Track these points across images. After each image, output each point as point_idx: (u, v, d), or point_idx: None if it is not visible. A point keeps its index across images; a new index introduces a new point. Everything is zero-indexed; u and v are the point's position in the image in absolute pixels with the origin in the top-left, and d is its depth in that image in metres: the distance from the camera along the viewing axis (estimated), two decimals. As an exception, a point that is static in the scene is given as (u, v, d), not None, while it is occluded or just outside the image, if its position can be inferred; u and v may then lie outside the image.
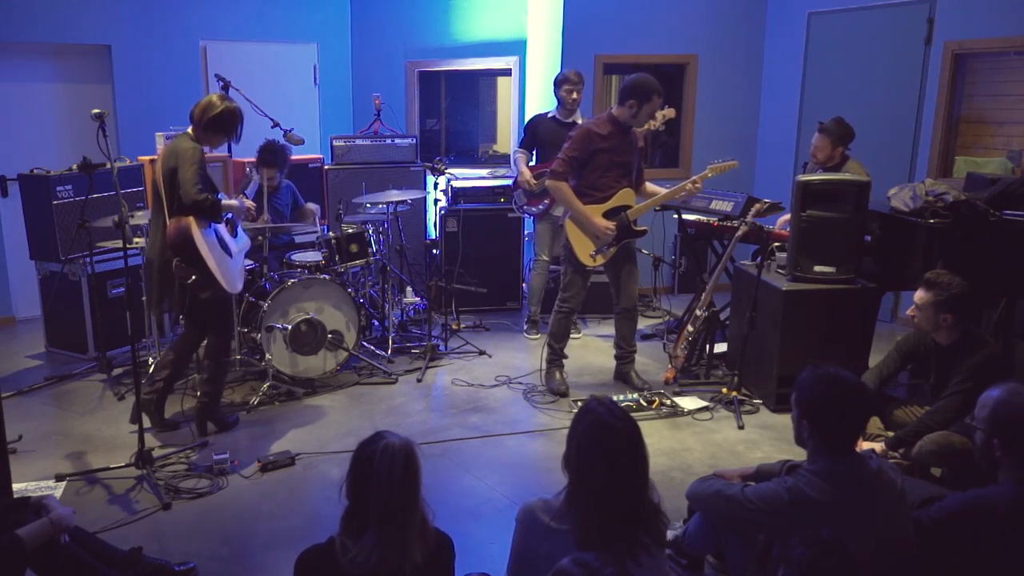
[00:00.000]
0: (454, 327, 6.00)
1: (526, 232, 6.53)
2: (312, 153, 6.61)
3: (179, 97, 6.48)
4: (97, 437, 4.32)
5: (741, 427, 4.46)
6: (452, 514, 3.46)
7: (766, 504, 2.43)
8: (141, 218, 4.80)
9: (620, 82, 4.92)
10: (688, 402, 4.73)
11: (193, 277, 3.90)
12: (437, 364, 5.43)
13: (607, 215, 4.68)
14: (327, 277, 4.96)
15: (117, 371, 5.17)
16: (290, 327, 4.74)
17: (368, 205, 5.84)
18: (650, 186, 4.89)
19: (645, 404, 4.67)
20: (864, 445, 3.41)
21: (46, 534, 2.58)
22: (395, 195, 5.57)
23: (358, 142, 6.61)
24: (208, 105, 4.01)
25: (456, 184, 6.49)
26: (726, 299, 5.45)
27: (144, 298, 4.18)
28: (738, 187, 5.94)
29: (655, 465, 3.66)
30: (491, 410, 4.73)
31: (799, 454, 2.70)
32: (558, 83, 5.72)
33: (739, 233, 4.77)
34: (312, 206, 5.75)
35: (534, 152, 5.93)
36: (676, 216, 5.63)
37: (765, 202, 4.85)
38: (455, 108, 8.30)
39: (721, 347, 5.30)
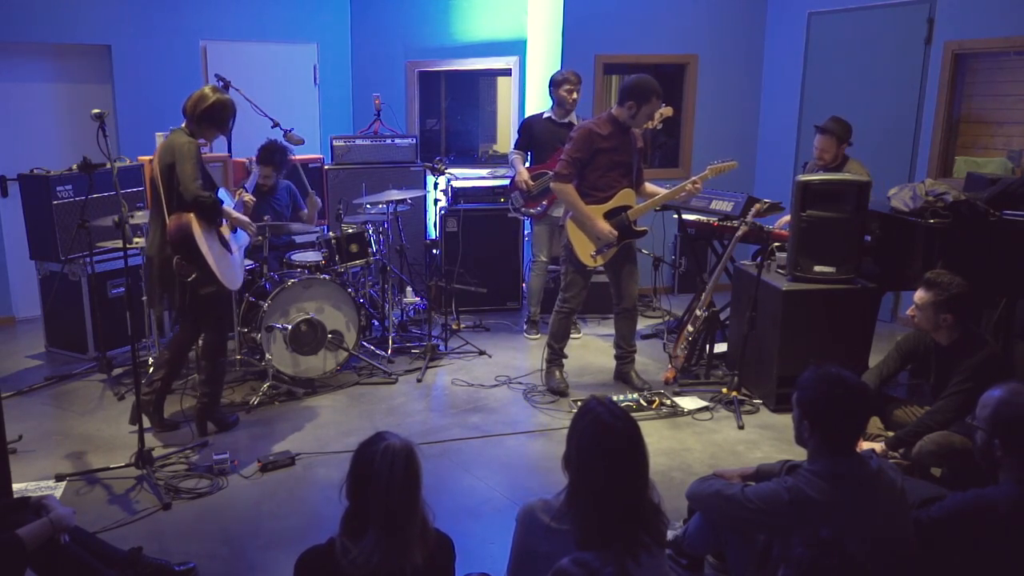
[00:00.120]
0: (454, 327, 6.00)
1: (526, 232, 6.53)
2: (312, 153, 6.60)
3: (179, 97, 6.39)
4: (97, 437, 4.32)
5: (741, 427, 4.46)
6: (452, 514, 3.46)
7: (766, 504, 2.43)
8: (141, 218, 4.80)
9: (620, 82, 4.91)
10: (688, 402, 4.73)
11: (194, 275, 3.90)
12: (437, 364, 5.43)
13: (608, 215, 4.68)
14: (327, 277, 4.96)
15: (117, 371, 5.17)
16: (290, 327, 4.74)
17: (368, 205, 5.84)
18: (650, 186, 4.90)
19: (645, 404, 4.67)
20: (864, 445, 3.41)
21: (46, 534, 2.58)
22: (395, 195, 5.57)
23: (358, 142, 6.61)
24: (200, 97, 4.00)
25: (456, 184, 6.49)
26: (726, 299, 5.45)
27: (144, 297, 4.17)
28: (738, 187, 5.94)
29: (655, 465, 3.67)
30: (491, 410, 4.73)
31: (799, 454, 2.70)
32: (557, 83, 5.70)
33: (739, 233, 4.77)
34: (316, 198, 5.73)
35: (528, 153, 5.91)
36: (676, 216, 5.63)
37: (765, 202, 4.85)
38: (455, 108, 8.30)
39: (721, 347, 5.30)
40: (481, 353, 5.62)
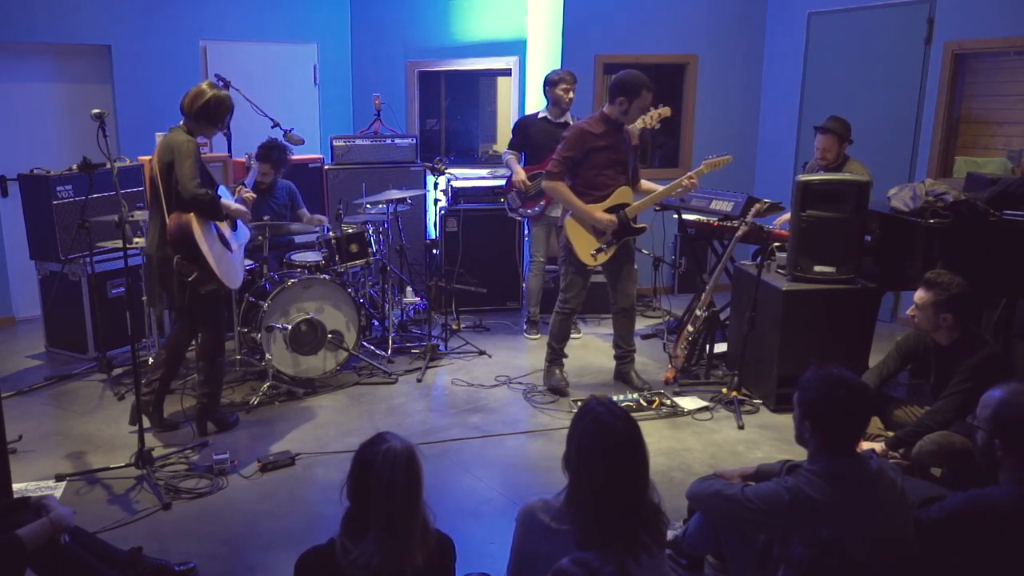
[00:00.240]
0: (454, 327, 5.99)
1: (526, 232, 6.53)
2: (312, 153, 6.61)
3: (179, 97, 6.45)
4: (97, 437, 4.32)
5: (741, 427, 4.46)
6: (452, 514, 3.46)
7: (766, 504, 2.44)
8: (141, 216, 4.80)
9: (608, 81, 4.91)
10: (688, 402, 4.73)
11: (194, 274, 3.90)
12: (437, 364, 5.43)
13: (606, 213, 4.68)
14: (327, 277, 4.96)
15: (117, 371, 5.17)
16: (290, 327, 4.74)
17: (368, 205, 5.84)
18: (646, 183, 4.90)
19: (645, 404, 4.66)
20: (864, 445, 3.41)
21: (46, 534, 2.58)
22: (395, 195, 5.57)
23: (358, 142, 6.61)
24: (198, 94, 4.00)
25: (456, 184, 6.49)
26: (726, 299, 5.45)
27: (144, 296, 4.17)
28: (738, 187, 5.94)
29: (655, 465, 3.67)
30: (491, 410, 4.73)
31: (799, 454, 2.70)
32: (553, 83, 5.69)
33: (739, 233, 4.77)
34: (320, 217, 5.74)
35: (523, 154, 5.88)
36: (676, 216, 5.63)
37: (765, 202, 4.85)
38: (455, 108, 8.30)
39: (721, 347, 5.30)
40: (481, 353, 5.62)
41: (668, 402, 4.69)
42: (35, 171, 5.39)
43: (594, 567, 1.72)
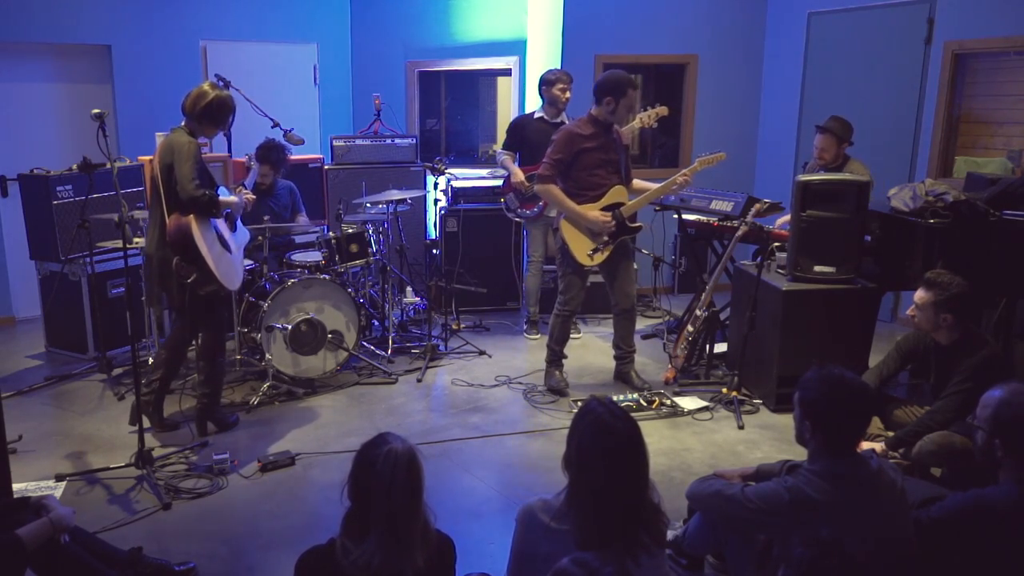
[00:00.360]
0: (454, 327, 5.99)
1: (526, 232, 6.52)
2: (312, 153, 6.60)
3: (179, 97, 6.40)
4: (97, 437, 4.32)
5: (741, 427, 4.46)
6: (452, 514, 3.45)
7: (766, 504, 2.44)
8: (142, 215, 4.80)
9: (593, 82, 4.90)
10: (688, 402, 4.73)
11: (193, 275, 3.90)
12: (437, 364, 5.43)
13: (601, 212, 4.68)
14: (327, 277, 4.96)
15: (117, 371, 5.17)
16: (290, 327, 4.74)
17: (368, 205, 5.84)
18: (639, 182, 4.90)
19: (645, 404, 4.66)
20: (864, 445, 3.40)
21: (46, 534, 2.58)
22: (395, 195, 5.57)
23: (358, 142, 6.61)
24: (200, 95, 4.00)
25: (456, 184, 6.49)
26: (726, 299, 5.45)
27: (144, 296, 4.17)
28: (738, 187, 5.94)
29: (655, 465, 3.67)
30: (491, 410, 4.73)
31: (799, 454, 2.70)
32: (550, 82, 5.67)
33: (739, 233, 4.77)
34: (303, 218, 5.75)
35: (518, 154, 5.86)
36: (676, 216, 5.63)
37: (765, 202, 4.85)
38: (455, 108, 8.29)
39: (721, 347, 5.30)
40: (481, 353, 5.62)
41: (668, 402, 4.69)
42: (35, 171, 5.39)
43: (594, 567, 1.72)
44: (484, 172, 6.99)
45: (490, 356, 5.59)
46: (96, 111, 3.63)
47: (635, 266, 5.08)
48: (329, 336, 4.90)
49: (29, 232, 5.49)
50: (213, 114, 4.01)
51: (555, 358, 4.98)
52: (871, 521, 2.34)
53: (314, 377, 4.96)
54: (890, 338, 4.41)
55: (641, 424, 2.19)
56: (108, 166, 3.65)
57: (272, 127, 5.40)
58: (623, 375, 5.06)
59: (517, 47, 7.32)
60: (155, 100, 6.36)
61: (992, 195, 4.16)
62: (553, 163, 4.64)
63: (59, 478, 3.82)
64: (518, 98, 7.42)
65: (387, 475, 2.00)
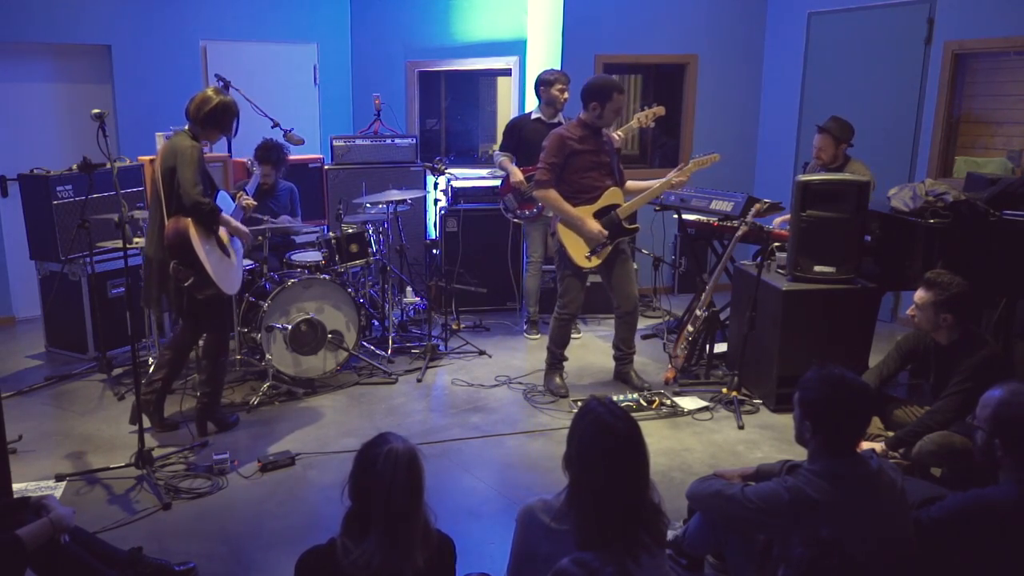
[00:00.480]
0: (454, 327, 5.99)
1: (525, 232, 6.51)
2: (312, 153, 6.61)
3: (179, 97, 6.40)
4: (97, 437, 4.32)
5: (741, 427, 4.46)
6: (452, 514, 3.45)
7: (766, 504, 2.43)
8: (141, 215, 4.80)
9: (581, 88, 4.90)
10: (688, 402, 4.73)
11: (191, 279, 3.90)
12: (437, 364, 5.43)
13: (597, 215, 4.68)
14: (327, 277, 4.96)
15: (117, 371, 5.17)
16: (290, 327, 4.74)
17: (368, 205, 5.84)
18: (633, 183, 4.90)
19: (645, 404, 4.66)
20: (864, 445, 3.40)
21: (46, 534, 2.58)
22: (395, 195, 5.57)
23: (358, 142, 6.61)
24: (204, 100, 4.00)
25: (456, 184, 6.48)
26: (726, 299, 5.45)
27: (142, 297, 4.17)
28: (738, 187, 5.94)
29: (655, 465, 3.66)
30: (491, 410, 4.73)
31: (799, 454, 2.70)
32: (549, 83, 5.67)
33: (739, 233, 4.77)
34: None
35: (514, 156, 5.83)
36: (676, 216, 5.63)
37: (765, 202, 4.85)
38: (455, 108, 8.29)
39: (721, 347, 5.30)
40: (481, 353, 5.62)
41: (668, 402, 4.69)
42: (35, 171, 5.39)
43: (594, 567, 1.72)
44: (484, 172, 6.99)
45: (490, 356, 5.59)
46: (96, 111, 3.63)
47: (635, 266, 5.07)
48: (329, 336, 4.90)
49: (29, 232, 5.49)
50: (217, 119, 4.02)
51: (555, 361, 4.97)
52: (871, 521, 2.34)
53: (314, 377, 4.96)
54: (890, 338, 4.41)
55: (641, 424, 2.19)
56: (108, 166, 3.65)
57: (272, 127, 5.40)
58: (623, 375, 5.06)
59: (517, 47, 7.32)
60: (155, 100, 6.37)
61: (992, 195, 4.16)
62: (549, 167, 4.66)
63: (59, 478, 3.82)
64: (518, 98, 7.42)
65: (388, 475, 2.00)
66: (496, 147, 6.05)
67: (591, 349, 5.77)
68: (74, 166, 5.21)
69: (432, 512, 2.14)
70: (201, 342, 4.32)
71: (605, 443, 2.10)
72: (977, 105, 5.71)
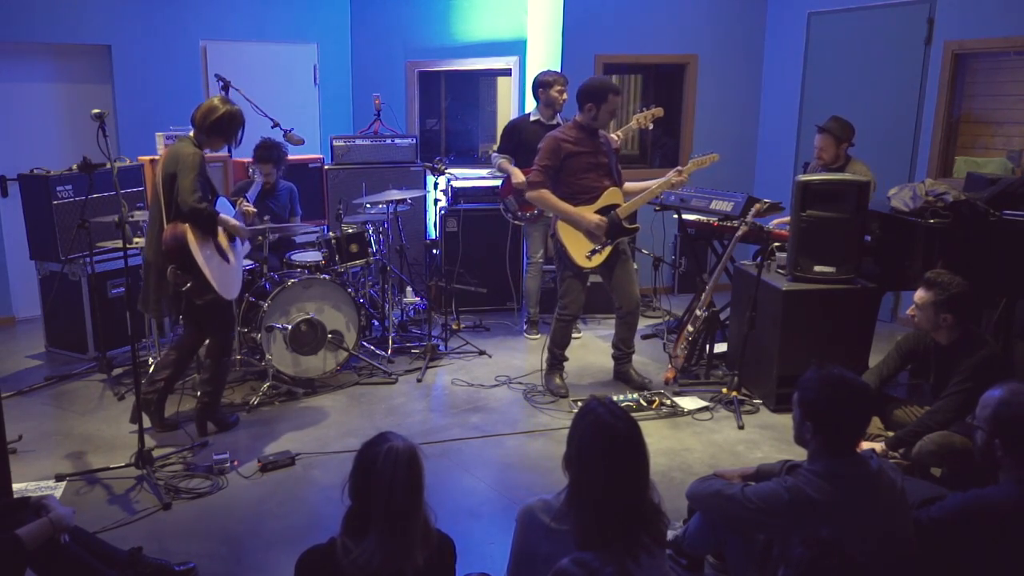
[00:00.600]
0: (454, 327, 5.99)
1: (526, 233, 6.51)
2: (312, 153, 6.61)
3: (179, 97, 6.48)
4: (97, 437, 4.32)
5: (741, 427, 4.46)
6: (452, 514, 3.46)
7: (766, 504, 2.43)
8: (141, 216, 4.81)
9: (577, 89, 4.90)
10: (688, 402, 4.73)
11: (188, 284, 3.90)
12: (437, 364, 5.43)
13: (597, 214, 4.68)
14: (327, 277, 4.96)
15: (117, 371, 5.17)
16: (290, 327, 4.74)
17: (368, 205, 5.84)
18: (632, 184, 4.90)
19: (645, 404, 4.66)
20: (864, 445, 3.40)
21: (46, 534, 2.58)
22: (395, 195, 5.57)
23: (358, 142, 6.61)
24: (210, 109, 4.00)
25: (456, 184, 6.48)
26: (726, 299, 5.45)
27: (140, 301, 4.16)
28: (738, 187, 5.94)
29: (655, 465, 3.66)
30: (491, 410, 4.73)
31: (799, 454, 2.70)
32: (548, 84, 5.65)
33: (739, 233, 4.77)
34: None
35: (513, 158, 5.81)
36: (676, 216, 5.63)
37: (765, 202, 4.85)
38: (455, 108, 8.29)
39: (721, 347, 5.30)
40: (481, 353, 5.62)
41: (668, 402, 4.69)
42: (35, 171, 5.39)
43: (594, 567, 1.72)
44: (484, 172, 6.99)
45: (490, 356, 5.59)
46: (96, 111, 3.63)
47: (635, 266, 5.07)
48: (329, 336, 4.90)
49: (29, 232, 5.49)
50: (223, 128, 4.03)
51: (555, 362, 4.97)
52: (871, 521, 2.34)
53: (314, 377, 4.96)
54: (890, 338, 4.40)
55: (641, 424, 2.19)
56: (108, 166, 3.65)
57: (272, 127, 5.39)
58: (622, 374, 5.06)
59: (517, 47, 7.32)
60: (155, 100, 6.37)
61: (992, 195, 4.16)
62: (542, 169, 4.67)
63: (59, 478, 3.82)
64: (518, 98, 7.42)
65: (388, 473, 2.00)
66: (495, 148, 6.03)
67: (591, 349, 5.77)
68: (74, 166, 5.21)
69: (432, 511, 2.14)
70: (206, 343, 4.32)
71: (605, 443, 2.10)
72: (977, 105, 5.71)
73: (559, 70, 6.10)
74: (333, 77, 7.32)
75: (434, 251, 6.12)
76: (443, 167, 5.73)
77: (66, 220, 5.26)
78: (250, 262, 5.09)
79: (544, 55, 7.07)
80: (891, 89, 6.10)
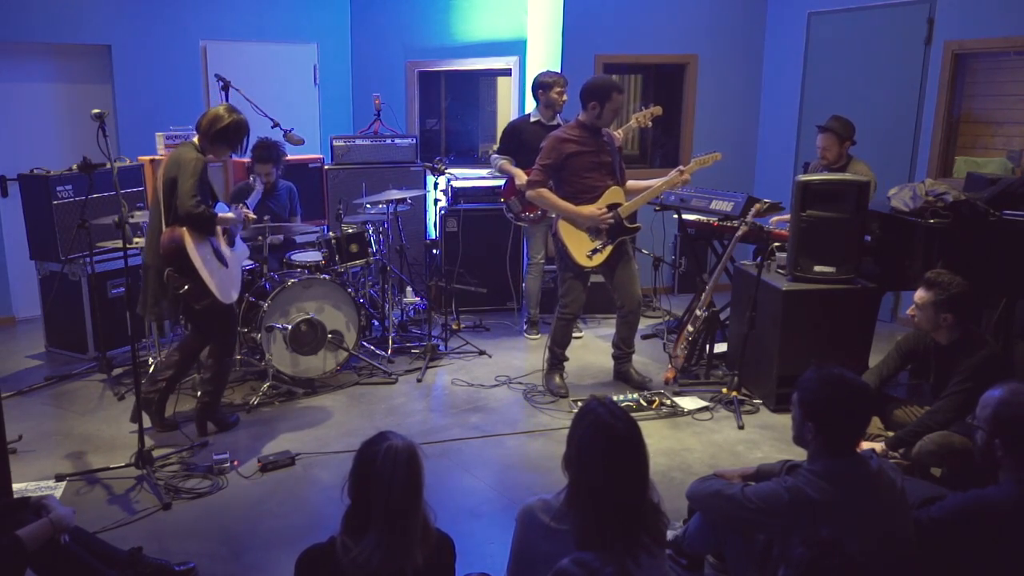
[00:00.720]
0: (454, 327, 5.99)
1: (526, 233, 6.51)
2: (312, 153, 6.60)
3: (179, 97, 6.49)
4: (97, 437, 4.32)
5: (741, 427, 4.46)
6: (452, 514, 3.46)
7: (766, 504, 2.43)
8: (141, 216, 4.81)
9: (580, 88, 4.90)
10: (688, 402, 4.73)
11: (186, 287, 3.90)
12: (437, 364, 5.43)
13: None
14: (327, 277, 4.96)
15: (117, 371, 5.17)
16: (290, 327, 4.74)
17: (368, 205, 5.84)
18: (635, 183, 4.89)
19: (645, 404, 4.66)
20: (864, 445, 3.40)
21: (46, 534, 2.58)
22: (395, 195, 5.57)
23: (358, 142, 6.60)
24: (215, 118, 4.01)
25: (456, 184, 6.48)
26: (726, 299, 5.45)
27: (139, 304, 4.16)
28: (738, 187, 5.94)
29: (655, 465, 3.67)
30: (491, 410, 4.73)
31: (799, 454, 2.70)
32: (547, 85, 5.64)
33: (739, 233, 4.77)
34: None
35: (513, 159, 5.81)
36: (676, 216, 5.63)
37: (765, 202, 4.85)
38: (455, 108, 8.29)
39: (721, 347, 5.30)
40: (481, 353, 5.62)
41: (668, 402, 4.69)
42: (35, 171, 5.39)
43: (594, 567, 1.73)
44: (484, 172, 6.99)
45: (490, 356, 5.59)
46: (96, 111, 3.63)
47: (636, 266, 5.07)
48: (329, 336, 4.90)
49: (29, 232, 5.49)
50: (229, 137, 4.05)
51: (556, 361, 4.97)
52: (871, 521, 2.34)
53: (314, 377, 4.96)
54: (890, 338, 4.40)
55: (641, 424, 2.19)
56: (108, 166, 3.65)
57: (272, 127, 5.40)
58: (622, 373, 5.06)
59: (517, 47, 7.32)
60: (155, 100, 6.37)
61: (992, 195, 4.16)
62: (541, 168, 4.67)
63: (59, 478, 3.82)
64: (518, 98, 7.42)
65: (387, 471, 2.00)
66: (494, 149, 6.03)
67: (592, 349, 5.77)
68: (74, 166, 5.21)
69: (432, 510, 2.14)
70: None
71: (605, 443, 2.10)
72: (977, 105, 5.71)
73: (559, 70, 6.09)
74: (333, 77, 7.32)
75: (434, 251, 6.12)
76: (443, 167, 5.73)
77: (66, 220, 5.26)
78: (250, 262, 5.08)
79: (544, 55, 7.07)
80: (891, 89, 6.10)
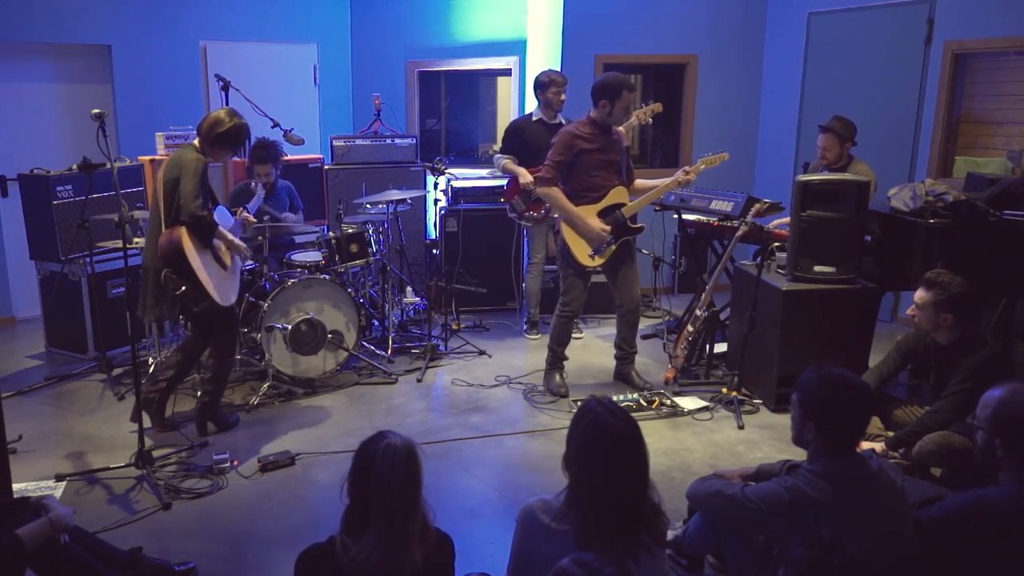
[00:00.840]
0: (454, 327, 5.99)
1: (527, 232, 6.51)
2: (312, 153, 6.61)
3: (179, 97, 6.50)
4: (97, 437, 4.32)
5: (741, 427, 4.46)
6: (452, 514, 3.46)
7: (766, 504, 2.43)
8: (142, 215, 4.81)
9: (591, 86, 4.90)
10: (688, 402, 4.73)
11: (183, 288, 3.90)
12: (437, 364, 5.43)
13: (601, 214, 4.68)
14: (327, 277, 4.96)
15: (117, 371, 5.17)
16: (290, 327, 4.74)
17: (368, 205, 5.84)
18: (641, 182, 4.89)
19: (645, 404, 4.66)
20: (864, 445, 3.40)
21: (46, 534, 2.58)
22: (395, 195, 5.57)
23: (358, 142, 6.61)
24: (216, 121, 4.02)
25: (456, 184, 6.48)
26: (726, 299, 5.45)
27: (138, 306, 4.16)
28: (738, 187, 5.94)
29: (655, 465, 3.67)
30: (491, 410, 4.73)
31: (799, 454, 2.70)
32: (545, 85, 5.64)
33: (739, 233, 4.77)
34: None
35: (516, 159, 5.81)
36: (676, 216, 5.63)
37: (765, 202, 4.85)
38: (455, 108, 8.29)
39: (721, 347, 5.30)
40: (481, 353, 5.62)
41: (668, 402, 4.69)
42: (35, 171, 5.39)
43: (594, 567, 1.72)
44: (484, 172, 6.99)
45: (490, 356, 5.59)
46: (96, 111, 3.63)
47: (638, 266, 5.07)
48: (329, 336, 4.90)
49: (29, 232, 5.49)
50: (229, 140, 4.06)
51: (556, 360, 4.97)
52: (871, 521, 2.34)
53: (314, 377, 4.96)
54: (890, 338, 4.40)
55: (641, 424, 2.19)
56: (108, 166, 3.65)
57: (272, 127, 5.40)
58: (623, 375, 5.06)
59: (517, 47, 7.32)
60: (155, 100, 6.37)
61: (992, 195, 4.16)
62: (554, 165, 4.65)
63: (59, 478, 3.82)
64: (518, 98, 7.42)
65: (386, 469, 2.00)
66: (496, 148, 6.02)
67: (592, 349, 5.77)
68: (74, 166, 5.21)
69: (431, 510, 2.14)
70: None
71: (605, 443, 2.10)
72: (977, 105, 5.71)
73: (559, 70, 6.09)
74: (333, 77, 7.33)
75: (434, 251, 6.12)
76: (443, 167, 5.72)
77: (66, 220, 5.26)
78: (250, 262, 5.08)
79: (544, 55, 7.07)
80: (891, 89, 6.10)
